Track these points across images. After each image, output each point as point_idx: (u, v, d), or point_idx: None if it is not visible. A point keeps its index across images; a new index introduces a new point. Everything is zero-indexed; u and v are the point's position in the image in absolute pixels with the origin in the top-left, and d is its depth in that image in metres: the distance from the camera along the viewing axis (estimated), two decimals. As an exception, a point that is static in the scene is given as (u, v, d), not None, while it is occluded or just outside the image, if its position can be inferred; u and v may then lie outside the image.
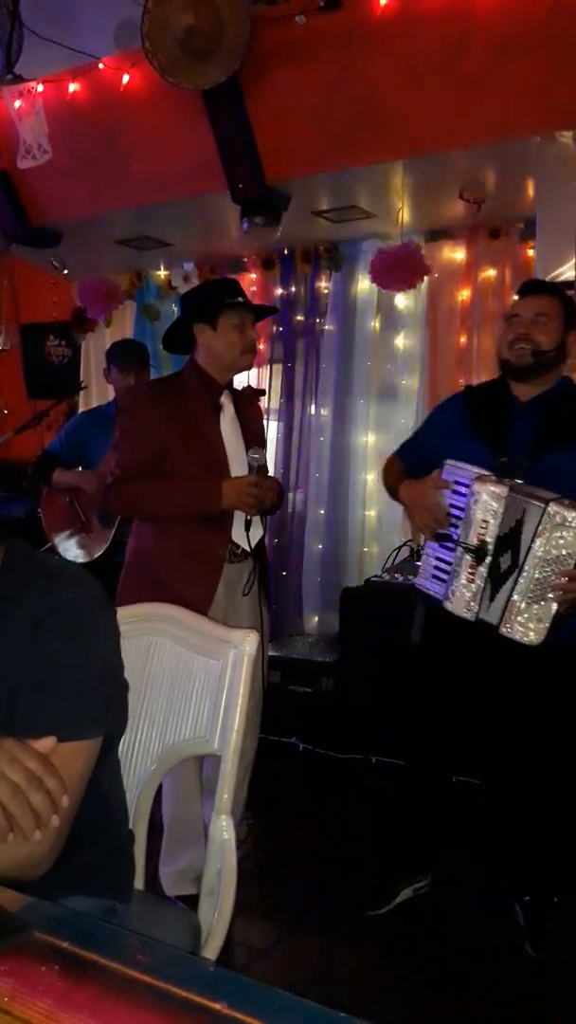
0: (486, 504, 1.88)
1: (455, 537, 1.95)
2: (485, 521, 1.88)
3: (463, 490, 1.94)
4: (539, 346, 2.00)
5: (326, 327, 3.96)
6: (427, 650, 2.23)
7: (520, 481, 1.90)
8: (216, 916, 1.23)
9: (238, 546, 2.24)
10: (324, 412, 3.96)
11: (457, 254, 3.62)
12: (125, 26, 3.28)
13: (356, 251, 3.86)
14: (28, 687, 0.98)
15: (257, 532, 2.25)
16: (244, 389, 2.47)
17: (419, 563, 3.24)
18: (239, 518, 2.21)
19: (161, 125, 3.28)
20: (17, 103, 3.53)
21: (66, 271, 4.32)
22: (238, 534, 2.21)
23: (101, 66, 3.32)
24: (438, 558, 2.04)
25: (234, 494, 2.12)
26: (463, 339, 3.61)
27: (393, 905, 2.23)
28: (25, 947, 0.75)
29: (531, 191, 3.03)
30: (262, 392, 4.00)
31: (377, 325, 3.87)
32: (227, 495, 2.13)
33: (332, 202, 3.41)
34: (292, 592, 4.05)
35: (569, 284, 2.62)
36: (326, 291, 3.99)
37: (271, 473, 2.44)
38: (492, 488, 1.87)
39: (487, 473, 1.91)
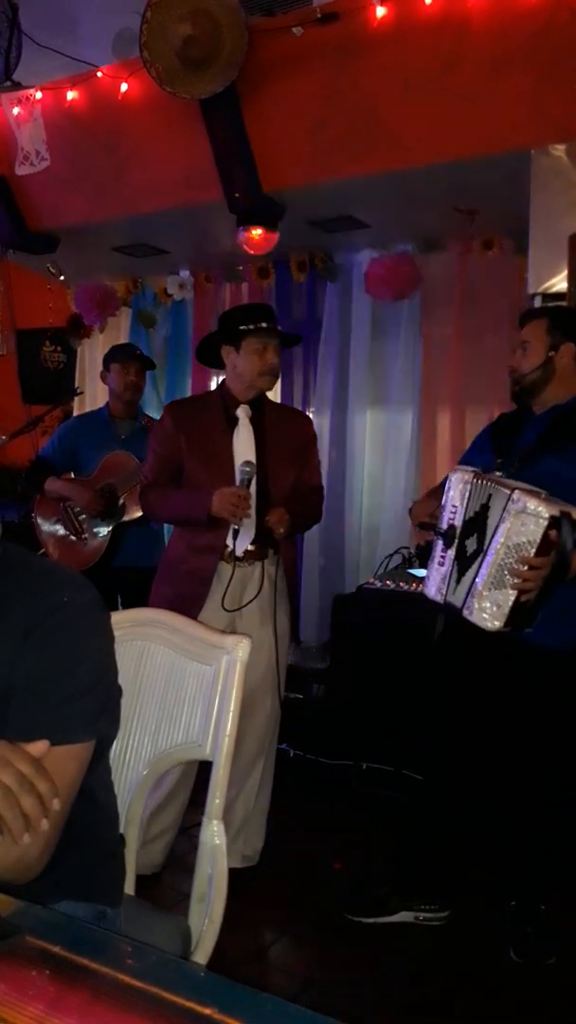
0: (456, 490, 1.98)
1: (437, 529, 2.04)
2: (455, 506, 1.98)
3: None
4: (521, 372, 2.12)
5: (322, 336, 3.98)
6: (443, 658, 2.26)
7: (500, 474, 1.96)
8: (206, 921, 1.23)
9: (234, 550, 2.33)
10: (321, 421, 3.97)
11: (451, 265, 3.64)
12: (123, 35, 3.30)
13: (350, 261, 3.88)
14: (21, 690, 0.99)
15: (244, 540, 2.31)
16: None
17: (411, 570, 3.28)
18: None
19: (158, 134, 3.30)
20: (16, 110, 3.55)
21: (63, 277, 4.33)
22: (230, 539, 2.31)
23: (100, 74, 3.34)
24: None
25: (218, 502, 2.23)
26: (456, 350, 3.63)
27: (384, 921, 2.22)
28: (16, 951, 0.75)
29: (524, 203, 3.05)
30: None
31: (372, 335, 3.89)
32: (214, 503, 2.23)
33: (327, 212, 3.42)
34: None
35: (561, 296, 2.65)
36: (321, 300, 4.00)
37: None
38: (461, 475, 1.98)
39: (472, 469, 1.99)
